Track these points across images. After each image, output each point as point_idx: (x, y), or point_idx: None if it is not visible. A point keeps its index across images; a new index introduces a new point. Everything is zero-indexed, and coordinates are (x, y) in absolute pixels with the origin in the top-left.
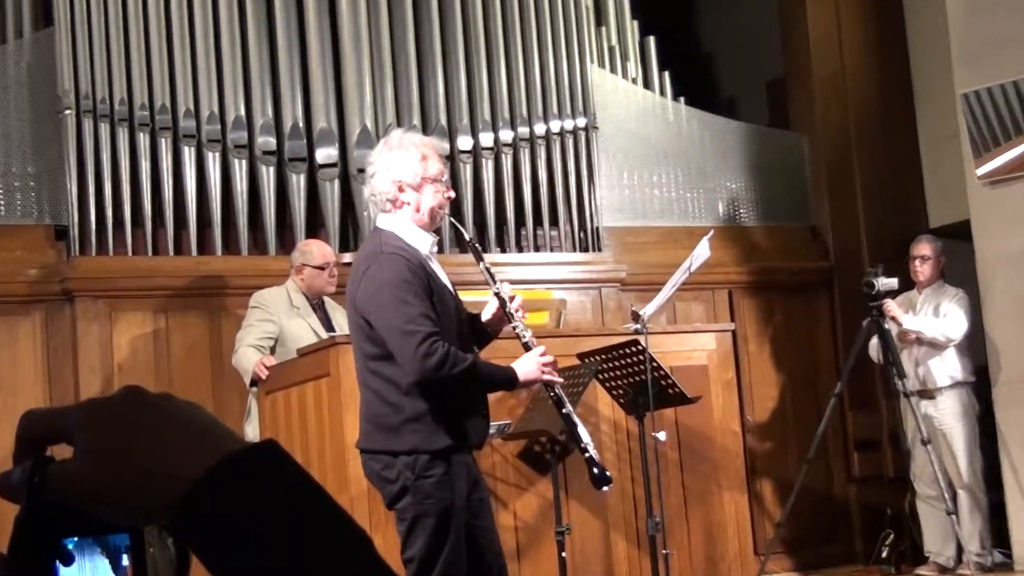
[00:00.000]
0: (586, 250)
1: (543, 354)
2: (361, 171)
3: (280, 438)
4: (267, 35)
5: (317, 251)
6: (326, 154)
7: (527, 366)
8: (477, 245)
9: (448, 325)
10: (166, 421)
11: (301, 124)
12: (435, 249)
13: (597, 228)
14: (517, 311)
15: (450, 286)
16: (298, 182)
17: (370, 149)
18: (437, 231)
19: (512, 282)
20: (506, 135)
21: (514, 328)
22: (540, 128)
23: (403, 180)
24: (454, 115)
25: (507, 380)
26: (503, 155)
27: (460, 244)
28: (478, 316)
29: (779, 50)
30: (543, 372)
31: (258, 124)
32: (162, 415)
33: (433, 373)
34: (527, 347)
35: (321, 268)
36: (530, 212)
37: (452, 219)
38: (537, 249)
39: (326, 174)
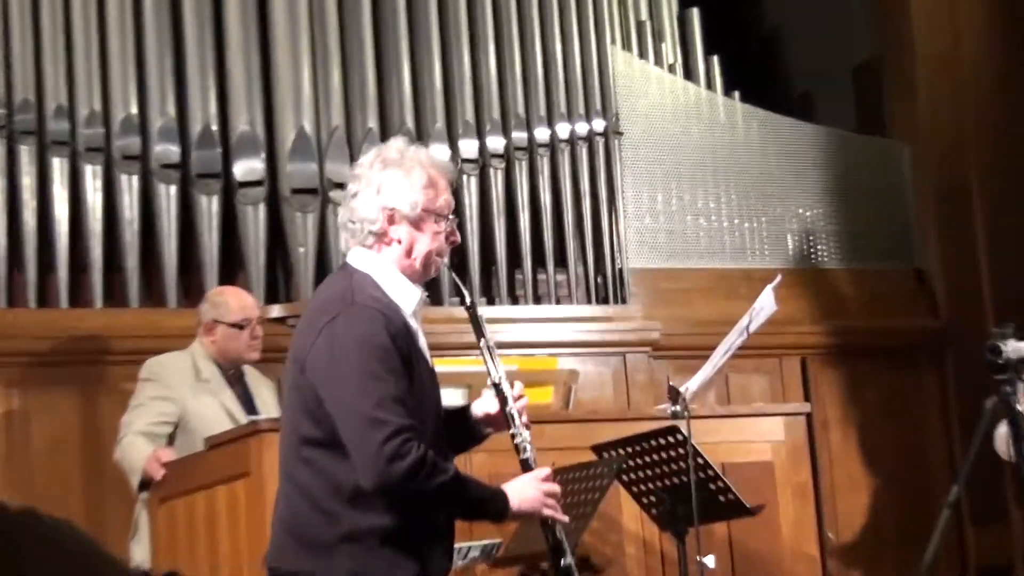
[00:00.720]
0: (605, 301)
1: (546, 478)
2: (303, 192)
3: (179, 562)
4: (168, 9)
5: (235, 303)
6: (248, 168)
7: (525, 493)
8: (480, 314)
9: (425, 418)
10: (27, 548)
11: (214, 127)
12: (421, 309)
13: (620, 271)
14: (521, 413)
15: (431, 362)
16: (209, 206)
17: (309, 162)
18: (429, 284)
19: (503, 346)
20: (495, 143)
21: (513, 437)
22: (542, 134)
23: (398, 209)
24: (424, 115)
25: (496, 508)
26: (491, 170)
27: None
28: (466, 411)
29: (870, 26)
30: (544, 505)
31: (154, 127)
32: (21, 539)
33: (400, 483)
34: (526, 466)
35: (239, 327)
36: (528, 249)
37: (454, 273)
38: (538, 300)
39: (247, 196)
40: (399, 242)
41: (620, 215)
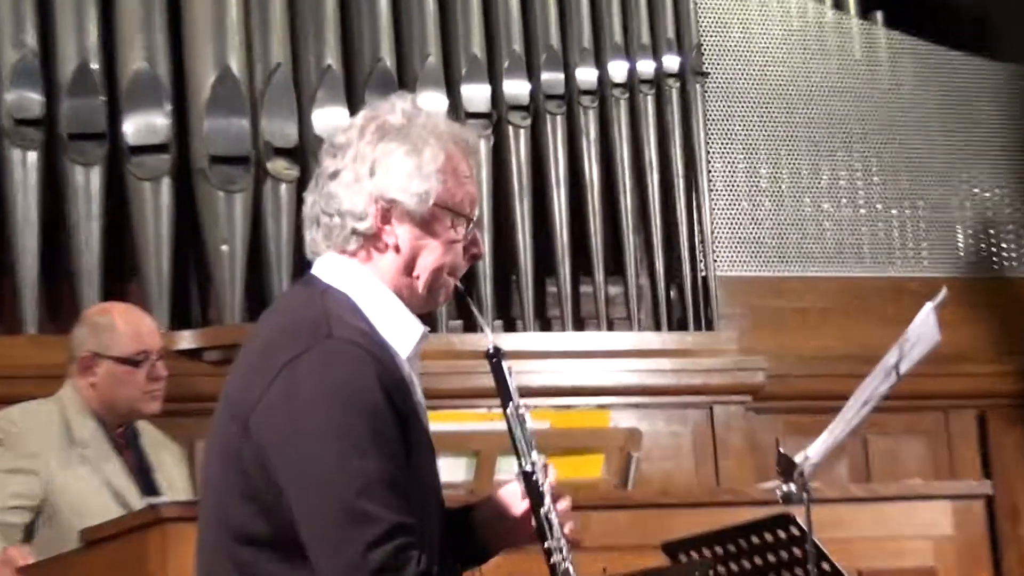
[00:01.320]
0: (681, 327)
1: None
2: (228, 162)
3: None
4: None
5: (125, 328)
6: (144, 126)
7: None
8: (508, 366)
9: (428, 513)
10: None
11: (94, 66)
12: (419, 351)
13: (704, 280)
14: (563, 522)
15: (426, 421)
16: (87, 182)
17: (236, 117)
18: (427, 317)
19: (527, 393)
20: (515, 88)
21: (549, 554)
22: (586, 75)
23: (398, 202)
24: (409, 49)
25: None
26: (510, 128)
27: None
28: (471, 512)
29: None
30: None
31: (4, 65)
32: None
33: None
34: None
35: (133, 363)
36: (565, 247)
37: (470, 300)
38: (580, 324)
39: (144, 167)
40: (396, 250)
41: (704, 197)
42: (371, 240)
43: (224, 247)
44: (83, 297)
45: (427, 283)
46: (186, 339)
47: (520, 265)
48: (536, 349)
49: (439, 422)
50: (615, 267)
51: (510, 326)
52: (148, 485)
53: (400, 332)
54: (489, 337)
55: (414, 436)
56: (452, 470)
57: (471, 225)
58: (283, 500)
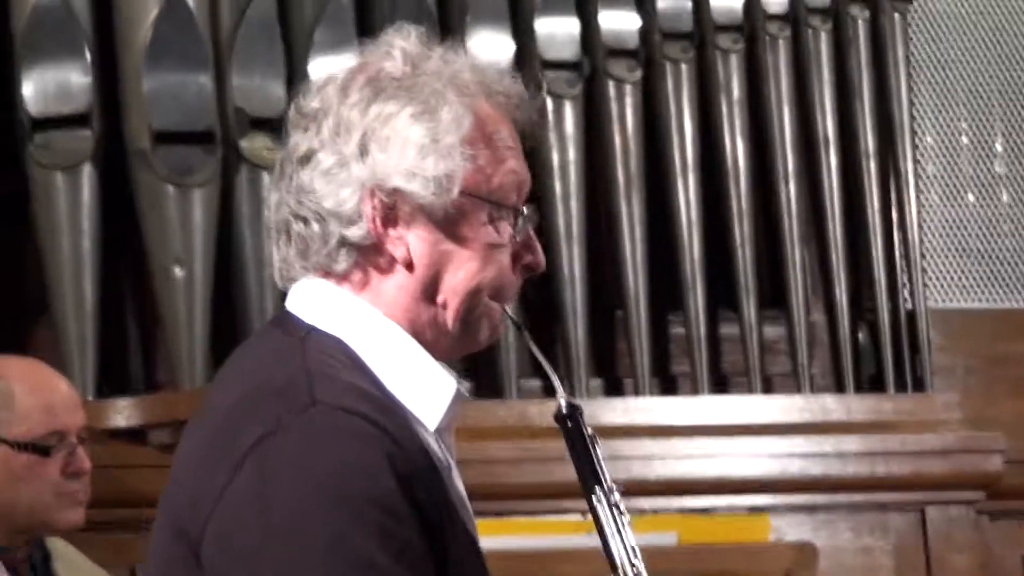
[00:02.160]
0: (876, 387)
1: None
2: (177, 139)
3: None
4: None
5: (29, 399)
6: (54, 87)
7: None
8: (590, 432)
9: None
10: None
11: None
12: (455, 415)
13: (910, 315)
14: None
15: (475, 530)
16: None
17: (175, 72)
18: (471, 362)
19: (642, 491)
20: (619, 23)
21: None
22: (728, 3)
23: (405, 191)
24: None
25: None
26: (613, 86)
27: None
28: None
29: None
30: None
31: None
32: None
33: None
34: None
35: (42, 451)
36: (697, 266)
37: (526, 334)
38: (720, 384)
39: (57, 148)
40: (408, 265)
41: (908, 188)
42: (369, 254)
43: (177, 270)
44: None
45: (458, 312)
46: (122, 413)
47: (628, 293)
48: (654, 423)
49: (506, 535)
50: (773, 297)
51: (614, 387)
52: None
53: (423, 391)
54: (560, 392)
55: (450, 546)
56: None
57: (522, 220)
58: None
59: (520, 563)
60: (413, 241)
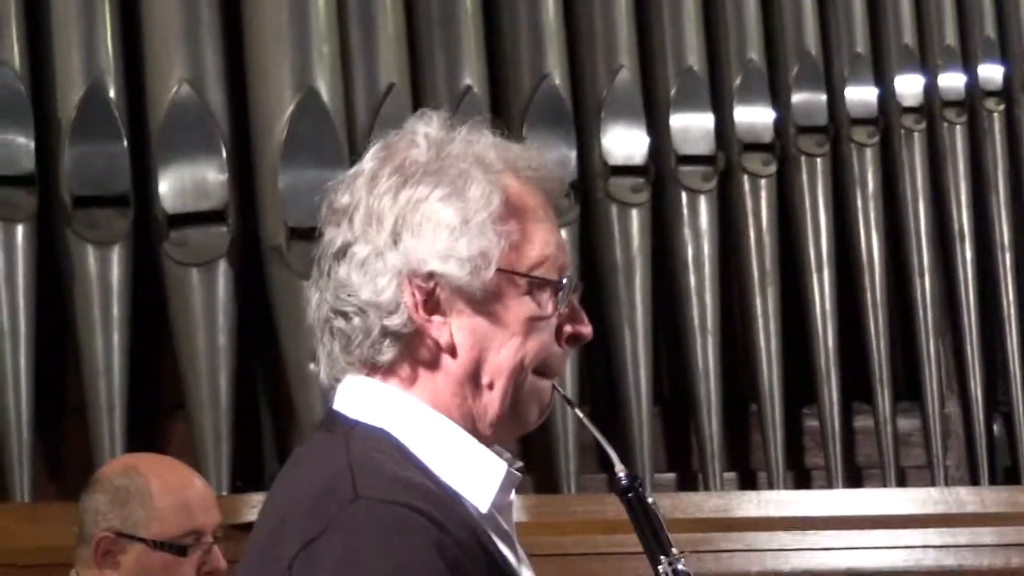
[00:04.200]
0: (1012, 479)
1: None
2: (298, 236)
3: None
4: None
5: (167, 498)
6: (187, 181)
7: None
8: (652, 502)
9: None
10: None
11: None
12: (510, 498)
13: None
14: None
15: None
16: (103, 260)
17: (311, 167)
18: (524, 445)
19: None
20: (754, 117)
21: None
22: (861, 95)
23: (441, 274)
24: (588, 53)
25: None
26: (744, 177)
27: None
28: None
29: None
30: None
31: None
32: None
33: None
34: None
35: (179, 550)
36: (832, 359)
37: (574, 406)
38: (855, 478)
39: (192, 244)
40: (452, 352)
41: None
42: (412, 343)
43: (312, 365)
44: (99, 444)
45: (506, 391)
46: (255, 507)
47: (763, 386)
48: (788, 515)
49: None
50: (908, 389)
51: (748, 481)
52: None
53: (472, 474)
54: (617, 464)
55: None
56: None
57: (563, 292)
58: None
59: None
60: (455, 325)
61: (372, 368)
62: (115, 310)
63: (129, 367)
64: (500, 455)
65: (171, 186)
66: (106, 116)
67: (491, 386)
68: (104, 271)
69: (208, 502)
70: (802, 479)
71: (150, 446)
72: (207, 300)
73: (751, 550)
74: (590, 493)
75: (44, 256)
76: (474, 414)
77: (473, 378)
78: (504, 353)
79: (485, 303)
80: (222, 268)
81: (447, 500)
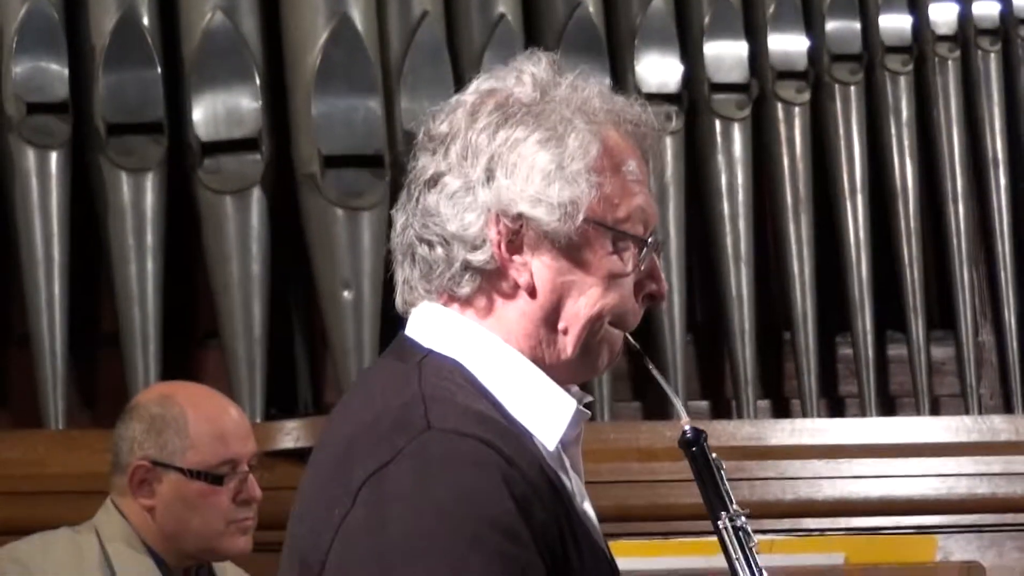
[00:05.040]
0: None
1: None
2: (348, 162)
3: None
4: None
5: (203, 426)
6: (225, 109)
7: None
8: (715, 457)
9: None
10: None
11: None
12: (580, 434)
13: None
14: None
15: (606, 546)
16: (137, 188)
17: (344, 94)
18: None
19: (815, 510)
20: (790, 44)
21: None
22: (895, 23)
23: (530, 217)
24: None
25: None
26: (778, 104)
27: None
28: None
29: None
30: None
31: None
32: None
33: None
34: None
35: (215, 479)
36: (865, 287)
37: (649, 363)
38: (888, 406)
39: (226, 173)
40: (531, 292)
41: None
42: (492, 279)
43: (346, 293)
44: (133, 372)
45: (579, 338)
46: (291, 434)
47: (796, 314)
48: (821, 443)
49: (676, 555)
50: (942, 318)
51: (781, 409)
52: None
53: (541, 411)
54: (683, 416)
55: (574, 563)
56: None
57: (646, 250)
58: None
59: None
60: (537, 267)
61: (449, 298)
62: (149, 238)
63: (163, 295)
64: (568, 391)
65: (205, 114)
66: (140, 43)
67: (566, 331)
68: (138, 199)
69: (244, 431)
70: (835, 407)
71: (184, 374)
72: (241, 228)
73: (784, 478)
74: (624, 421)
75: (78, 183)
76: (545, 355)
77: (549, 321)
78: (583, 301)
79: (569, 250)
80: (256, 196)
81: (517, 435)
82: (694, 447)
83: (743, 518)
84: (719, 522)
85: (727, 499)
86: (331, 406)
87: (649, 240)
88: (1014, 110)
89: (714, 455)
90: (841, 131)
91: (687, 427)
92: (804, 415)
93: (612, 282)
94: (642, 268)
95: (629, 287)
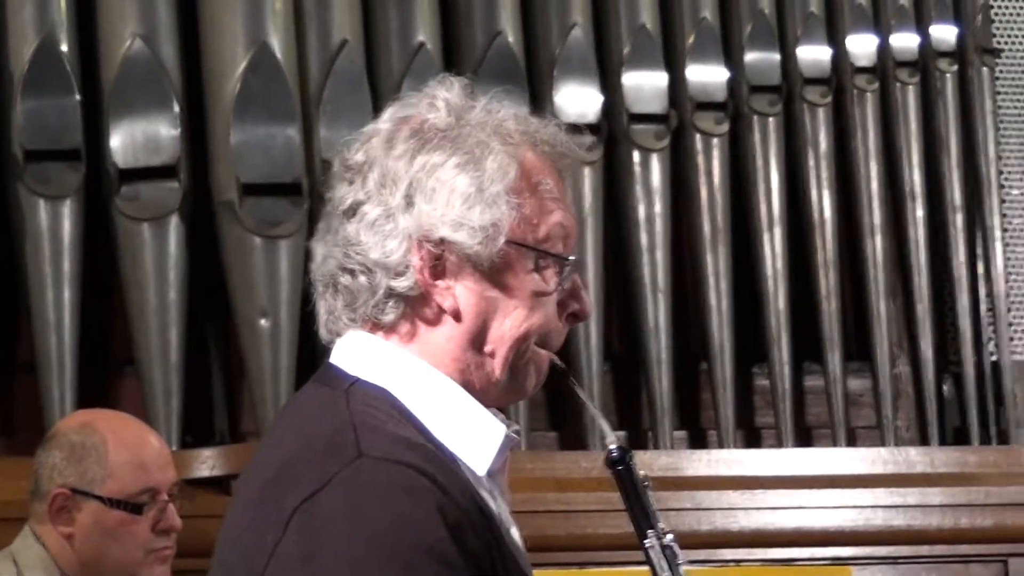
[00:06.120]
0: (961, 440)
1: None
2: (261, 191)
3: None
4: None
5: (123, 454)
6: (132, 138)
7: None
8: (642, 475)
9: None
10: None
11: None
12: (506, 462)
13: (995, 367)
14: None
15: (529, 571)
16: (56, 223)
17: (257, 125)
18: (556, 415)
19: (731, 541)
20: (707, 76)
21: None
22: (815, 55)
23: (451, 241)
24: (542, 10)
25: None
26: (699, 139)
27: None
28: None
29: None
30: None
31: None
32: None
33: None
34: None
35: (134, 508)
36: (782, 319)
37: (574, 382)
38: (804, 437)
39: (144, 199)
40: (456, 316)
41: (994, 241)
42: (417, 305)
43: (263, 321)
44: (49, 400)
45: (506, 360)
46: (206, 463)
47: (713, 345)
48: (738, 474)
49: None
50: (859, 349)
51: (698, 439)
52: None
53: (471, 437)
54: (608, 435)
55: None
56: None
57: (568, 268)
58: None
59: None
60: (460, 291)
61: (374, 326)
62: (66, 265)
63: (80, 323)
64: (496, 417)
65: (123, 141)
66: (58, 70)
67: (493, 354)
68: (55, 225)
69: (164, 460)
70: (752, 438)
71: (100, 402)
72: (158, 255)
73: (700, 509)
74: (541, 450)
75: None
76: (473, 379)
77: (475, 344)
78: (508, 323)
79: (492, 273)
80: (174, 223)
81: (447, 463)
82: (620, 466)
83: (670, 536)
84: (646, 541)
85: (654, 518)
86: (248, 434)
87: (570, 259)
88: (932, 142)
89: (642, 473)
90: (760, 162)
91: (613, 446)
92: (720, 446)
93: (536, 302)
94: (564, 287)
95: (553, 307)
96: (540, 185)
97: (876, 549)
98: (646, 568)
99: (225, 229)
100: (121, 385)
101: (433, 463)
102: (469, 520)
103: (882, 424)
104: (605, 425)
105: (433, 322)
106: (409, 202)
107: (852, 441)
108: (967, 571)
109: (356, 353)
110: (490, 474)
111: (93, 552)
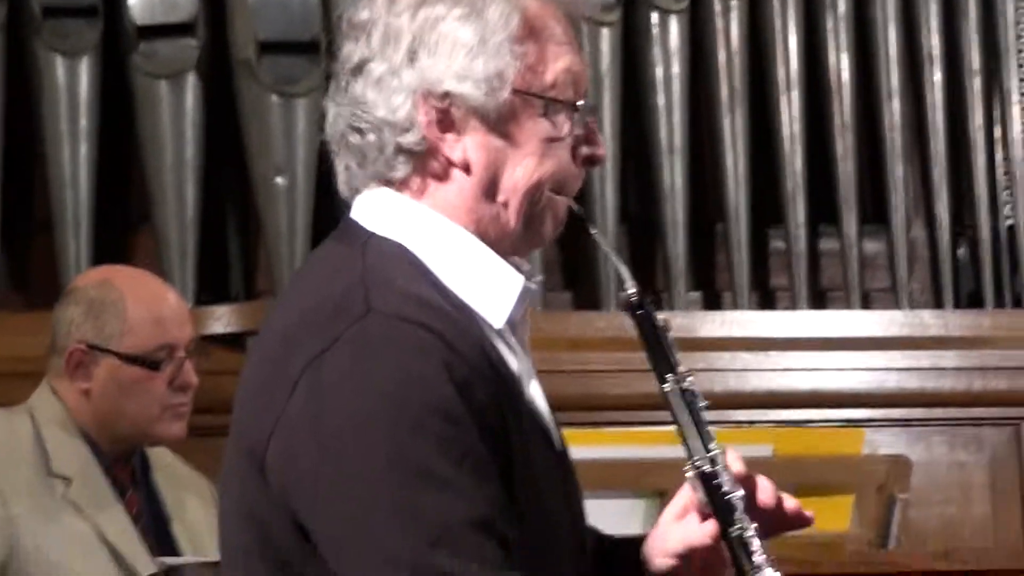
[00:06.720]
0: (975, 303)
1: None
2: (275, 49)
3: None
4: None
5: (140, 310)
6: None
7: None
8: (666, 334)
9: (552, 560)
10: None
11: None
12: (526, 313)
13: (1011, 231)
14: (756, 545)
15: (555, 434)
16: (73, 80)
17: None
18: (570, 273)
19: (743, 402)
20: None
21: (726, 533)
22: None
23: (456, 94)
24: None
25: None
26: (717, 2)
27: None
28: (637, 544)
29: None
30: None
31: None
32: None
33: None
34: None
35: (151, 364)
36: (798, 182)
37: (593, 229)
38: (819, 299)
39: (162, 58)
40: (466, 168)
41: (1011, 104)
42: (425, 160)
43: (279, 179)
44: (65, 256)
45: (520, 209)
46: (221, 320)
47: (729, 207)
48: (752, 335)
49: (602, 444)
50: (875, 212)
51: (712, 301)
52: (163, 541)
53: (488, 289)
54: (628, 281)
55: (517, 445)
56: (625, 516)
57: (579, 113)
58: (324, 568)
59: (616, 471)
60: (469, 144)
61: (386, 183)
62: (83, 122)
63: (96, 180)
64: (519, 268)
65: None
66: None
67: (506, 204)
68: (72, 82)
69: (182, 317)
70: (766, 300)
71: (116, 258)
72: (175, 113)
73: (714, 370)
74: (555, 310)
75: (12, 66)
76: (488, 230)
77: (488, 196)
78: (520, 172)
79: (500, 123)
80: (191, 81)
81: (459, 318)
82: (639, 310)
83: (688, 380)
84: (665, 384)
85: (673, 362)
86: (263, 292)
87: (580, 103)
88: (950, 6)
89: (662, 318)
90: (778, 25)
91: (632, 291)
92: (735, 307)
93: (547, 150)
94: (577, 132)
95: (566, 153)
96: (544, 30)
97: (889, 411)
98: (660, 428)
99: (242, 87)
100: (137, 242)
101: (442, 319)
102: (478, 375)
103: (897, 287)
104: (624, 269)
105: (444, 176)
106: (412, 57)
107: (866, 303)
108: (979, 434)
109: (373, 208)
110: (511, 324)
111: (110, 408)
